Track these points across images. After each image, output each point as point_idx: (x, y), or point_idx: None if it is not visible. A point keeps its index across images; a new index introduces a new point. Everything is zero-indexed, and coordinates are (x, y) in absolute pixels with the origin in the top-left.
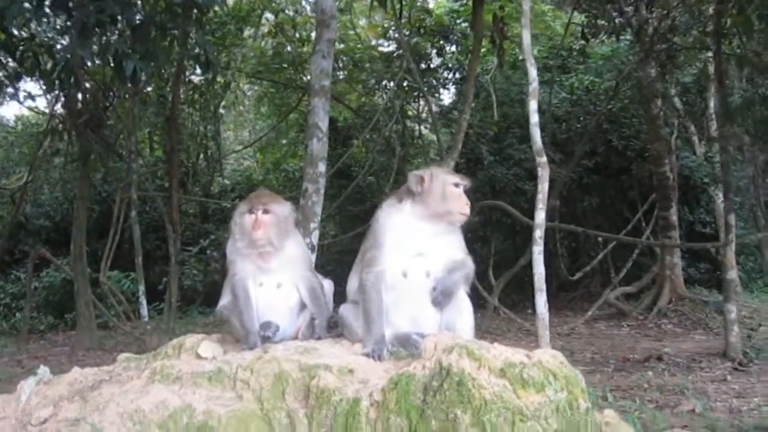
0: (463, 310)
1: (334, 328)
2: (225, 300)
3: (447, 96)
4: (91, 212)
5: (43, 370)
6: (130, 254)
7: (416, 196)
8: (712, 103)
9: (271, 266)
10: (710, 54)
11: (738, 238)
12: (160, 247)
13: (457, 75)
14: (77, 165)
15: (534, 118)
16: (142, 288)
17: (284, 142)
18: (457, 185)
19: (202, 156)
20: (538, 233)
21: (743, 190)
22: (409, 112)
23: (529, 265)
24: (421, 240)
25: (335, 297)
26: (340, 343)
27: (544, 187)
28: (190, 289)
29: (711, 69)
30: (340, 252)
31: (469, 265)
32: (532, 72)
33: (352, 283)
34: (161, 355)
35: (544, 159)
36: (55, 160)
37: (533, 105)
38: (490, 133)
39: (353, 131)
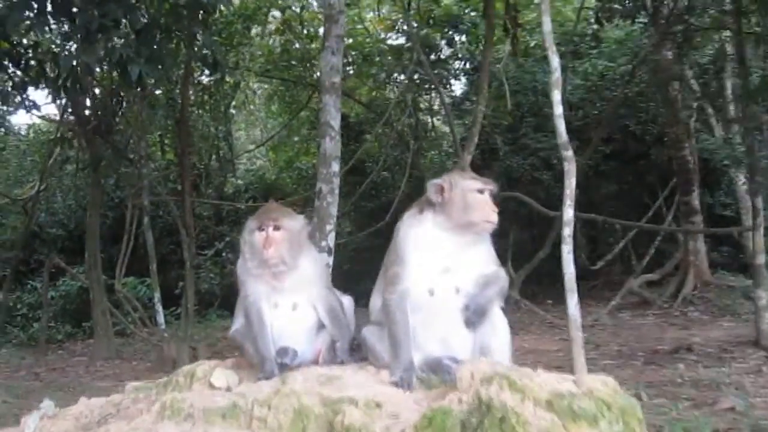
0: (498, 329)
1: (357, 351)
2: (237, 323)
3: (458, 87)
4: (104, 219)
5: (47, 404)
6: (144, 260)
7: (437, 206)
8: (729, 84)
9: (285, 286)
10: (726, 34)
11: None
12: (175, 252)
13: (468, 65)
14: (89, 172)
15: (558, 110)
16: (157, 295)
17: (296, 139)
18: (481, 191)
19: (214, 157)
20: (567, 231)
21: (764, 171)
22: (421, 105)
23: (548, 257)
24: (447, 254)
25: (356, 306)
26: (365, 369)
27: (571, 182)
28: (207, 293)
29: (727, 49)
30: (356, 249)
31: (503, 278)
32: (554, 61)
33: (375, 302)
34: (171, 384)
35: (570, 152)
36: (66, 168)
37: (557, 96)
38: (504, 123)
39: (365, 126)
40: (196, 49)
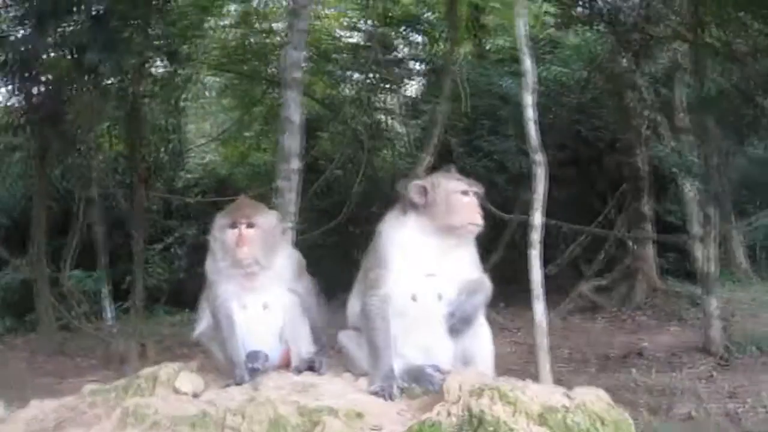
0: (481, 337)
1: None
2: (203, 325)
3: (413, 88)
4: (50, 210)
5: None
6: (91, 253)
7: (420, 209)
8: (679, 94)
9: (257, 285)
10: (679, 45)
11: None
12: (123, 245)
13: (425, 66)
14: (36, 161)
15: (529, 113)
16: (106, 288)
17: (247, 135)
18: (465, 193)
19: (164, 150)
20: (536, 235)
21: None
22: (377, 104)
23: (501, 261)
24: (430, 258)
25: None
26: (342, 376)
27: (540, 186)
28: (155, 288)
29: (680, 60)
30: (310, 247)
31: (487, 286)
32: (527, 63)
33: (353, 307)
34: (132, 388)
35: (540, 157)
36: (14, 156)
37: (528, 99)
38: (460, 125)
39: (320, 124)
40: (151, 38)
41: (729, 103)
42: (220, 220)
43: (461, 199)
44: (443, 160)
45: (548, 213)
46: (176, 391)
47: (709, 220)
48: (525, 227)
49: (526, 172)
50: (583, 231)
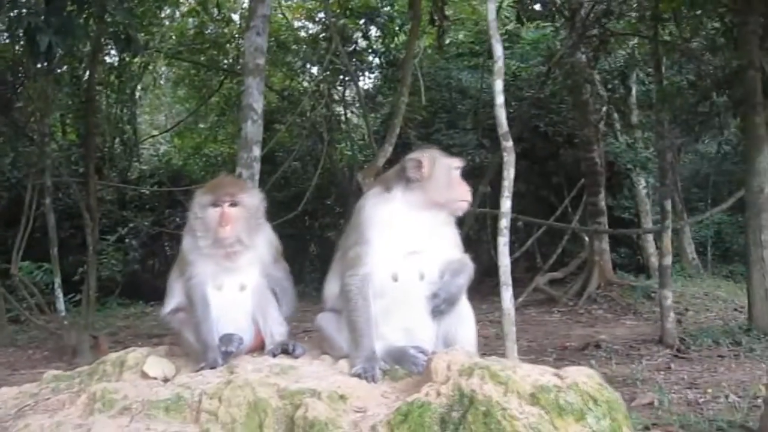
0: (464, 318)
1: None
2: (172, 304)
3: (369, 81)
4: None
5: None
6: (41, 244)
7: (409, 184)
8: (634, 91)
9: (236, 266)
10: (636, 41)
11: (656, 224)
12: (75, 236)
13: (383, 59)
14: None
15: (500, 99)
16: (57, 280)
17: (202, 126)
18: (458, 169)
19: (118, 140)
20: (504, 222)
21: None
22: (335, 96)
23: None
24: (414, 235)
25: None
26: (320, 359)
27: (510, 173)
28: (108, 280)
29: (637, 55)
30: None
31: (470, 266)
32: (498, 49)
33: (331, 288)
34: (98, 373)
35: (510, 143)
36: None
37: (498, 84)
38: (418, 118)
39: (277, 115)
40: (106, 24)
41: (684, 100)
42: (201, 198)
43: (456, 175)
44: (401, 153)
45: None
46: (145, 376)
47: (667, 215)
48: (482, 220)
49: (485, 165)
50: (541, 224)
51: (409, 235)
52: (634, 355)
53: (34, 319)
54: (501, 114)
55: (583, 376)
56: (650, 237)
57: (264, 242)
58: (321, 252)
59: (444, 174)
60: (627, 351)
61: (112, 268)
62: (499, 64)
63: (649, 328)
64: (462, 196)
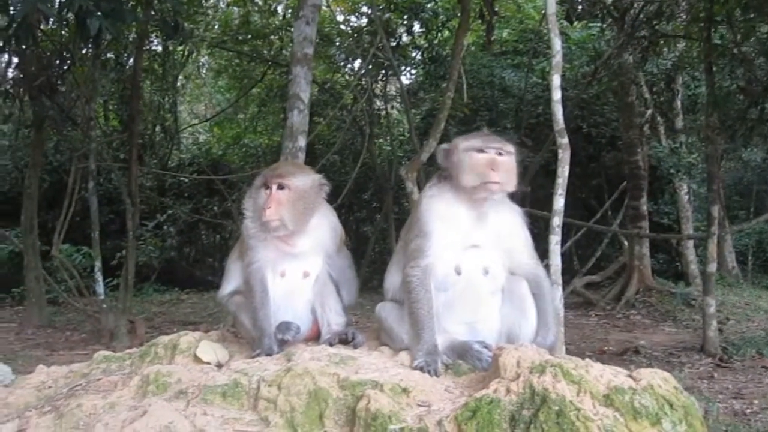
0: (527, 314)
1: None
2: (230, 287)
3: (411, 76)
4: (41, 182)
5: (4, 371)
6: (81, 227)
7: (450, 174)
8: (680, 94)
9: (296, 252)
10: (685, 43)
11: (697, 230)
12: (114, 221)
13: (426, 55)
14: (29, 132)
15: (557, 95)
16: (98, 263)
17: (241, 117)
18: (480, 150)
19: (159, 128)
20: (557, 221)
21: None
22: (377, 91)
23: None
24: (471, 228)
25: None
26: (379, 350)
27: (564, 170)
28: (145, 266)
29: (685, 58)
30: None
31: (545, 282)
32: (557, 44)
33: (392, 280)
34: (149, 355)
35: (565, 140)
36: (4, 128)
37: (556, 80)
38: (459, 115)
39: (317, 108)
40: (154, 11)
41: (733, 105)
42: (256, 181)
43: (476, 157)
44: None
45: (543, 207)
46: (197, 360)
47: (713, 221)
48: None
49: (527, 165)
50: (582, 226)
51: (467, 228)
52: (675, 362)
53: (73, 302)
54: (558, 110)
55: (658, 378)
56: (690, 244)
57: (324, 228)
58: (356, 246)
59: (465, 157)
60: (667, 358)
61: (150, 254)
62: (557, 58)
63: (688, 335)
64: (485, 177)
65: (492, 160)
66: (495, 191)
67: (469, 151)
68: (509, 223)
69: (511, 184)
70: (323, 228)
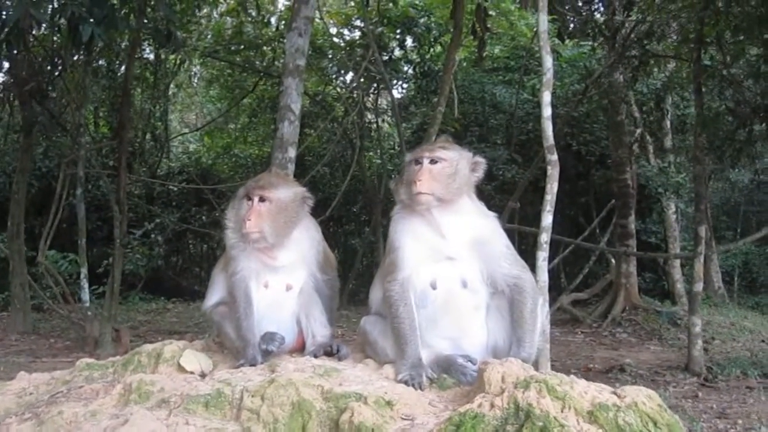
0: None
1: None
2: (215, 298)
3: (402, 90)
4: (29, 188)
5: None
6: (68, 234)
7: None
8: (669, 114)
9: (278, 264)
10: (675, 64)
11: (683, 249)
12: (101, 228)
13: (417, 69)
14: (18, 137)
15: (547, 111)
16: (84, 270)
17: (232, 127)
18: (416, 161)
19: (149, 136)
20: (544, 237)
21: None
22: (368, 104)
23: None
24: (439, 241)
25: None
26: (364, 363)
27: (553, 187)
28: (132, 274)
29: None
30: None
31: (527, 290)
32: (548, 61)
33: (375, 295)
34: (132, 364)
35: (555, 157)
36: None
37: (547, 97)
38: (450, 130)
39: (308, 119)
40: (146, 20)
41: (722, 126)
42: (239, 191)
43: (408, 170)
44: None
45: (530, 223)
46: (181, 370)
47: (700, 241)
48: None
49: (516, 181)
50: (569, 243)
51: (434, 241)
52: (660, 381)
53: (58, 309)
54: (548, 127)
55: (642, 396)
56: (677, 263)
57: (306, 241)
58: (344, 259)
59: (406, 170)
60: (652, 376)
61: (137, 262)
62: (548, 75)
63: (674, 354)
64: (413, 189)
65: (418, 171)
66: (423, 202)
67: (408, 164)
68: (483, 231)
69: (444, 190)
70: (304, 243)
